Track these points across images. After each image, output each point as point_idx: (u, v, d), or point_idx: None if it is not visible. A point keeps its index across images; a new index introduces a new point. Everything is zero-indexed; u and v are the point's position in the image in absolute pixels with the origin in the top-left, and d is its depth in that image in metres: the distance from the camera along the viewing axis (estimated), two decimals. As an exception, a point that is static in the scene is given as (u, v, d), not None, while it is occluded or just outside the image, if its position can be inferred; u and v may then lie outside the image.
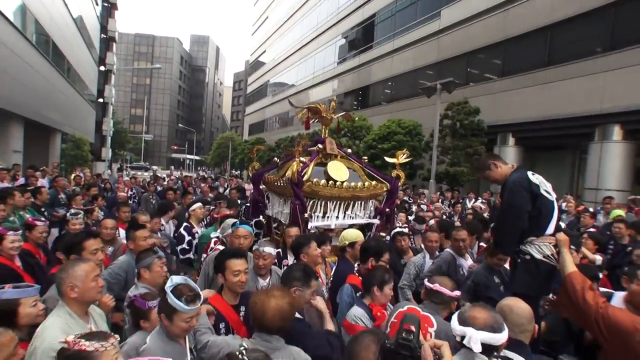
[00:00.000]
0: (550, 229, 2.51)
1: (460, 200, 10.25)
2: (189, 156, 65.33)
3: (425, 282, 2.33)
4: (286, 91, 39.04)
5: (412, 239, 5.01)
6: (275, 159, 4.91)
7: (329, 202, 4.07)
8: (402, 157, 4.49)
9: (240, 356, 1.40)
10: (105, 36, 32.65)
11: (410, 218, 6.42)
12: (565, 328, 2.78)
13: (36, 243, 3.49)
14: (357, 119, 18.16)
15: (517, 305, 1.89)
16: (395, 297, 3.29)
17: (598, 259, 4.10)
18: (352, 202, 4.18)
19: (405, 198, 9.84)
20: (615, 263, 4.29)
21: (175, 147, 74.03)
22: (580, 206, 8.01)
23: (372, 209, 4.45)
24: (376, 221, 4.38)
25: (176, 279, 1.85)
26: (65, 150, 19.41)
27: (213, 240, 3.85)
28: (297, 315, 2.20)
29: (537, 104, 13.78)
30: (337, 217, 4.12)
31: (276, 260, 3.48)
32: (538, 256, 2.49)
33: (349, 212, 4.19)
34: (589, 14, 12.46)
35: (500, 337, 1.51)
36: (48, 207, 6.03)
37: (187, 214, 5.26)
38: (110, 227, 3.82)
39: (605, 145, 11.93)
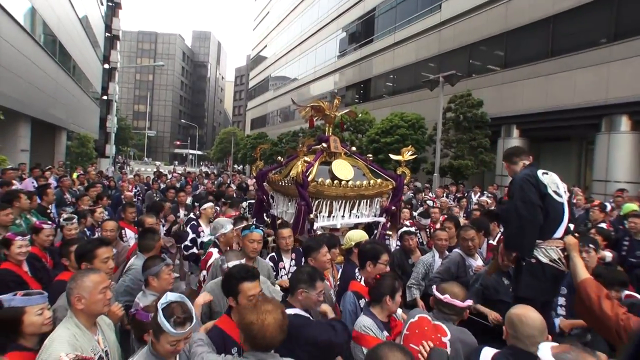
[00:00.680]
0: (559, 232, 2.42)
1: (465, 194, 10.17)
2: (191, 151, 65.51)
3: (435, 291, 2.23)
4: (288, 85, 38.87)
5: (418, 235, 4.95)
6: (279, 158, 4.86)
7: (334, 202, 4.04)
8: (407, 154, 4.45)
9: None
10: (109, 35, 32.81)
11: (415, 213, 6.37)
12: None
13: (42, 246, 3.49)
14: (360, 114, 18.03)
15: (528, 315, 1.76)
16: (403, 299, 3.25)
17: (608, 255, 3.97)
18: (357, 201, 4.16)
19: (410, 193, 9.76)
20: (634, 262, 4.18)
21: (178, 143, 74.18)
22: (595, 201, 7.81)
23: (377, 207, 4.43)
24: (382, 219, 4.36)
25: (171, 297, 1.74)
26: (71, 147, 19.50)
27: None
28: (299, 312, 2.19)
29: (541, 95, 13.62)
30: (343, 217, 4.10)
31: (272, 264, 3.46)
32: (545, 260, 2.41)
33: (354, 211, 4.17)
34: (592, 4, 12.26)
35: None
36: (54, 207, 6.05)
37: (198, 212, 5.32)
38: (111, 230, 3.80)
39: (614, 136, 11.76)
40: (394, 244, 4.61)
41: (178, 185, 10.51)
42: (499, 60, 15.76)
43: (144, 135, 57.54)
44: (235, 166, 40.72)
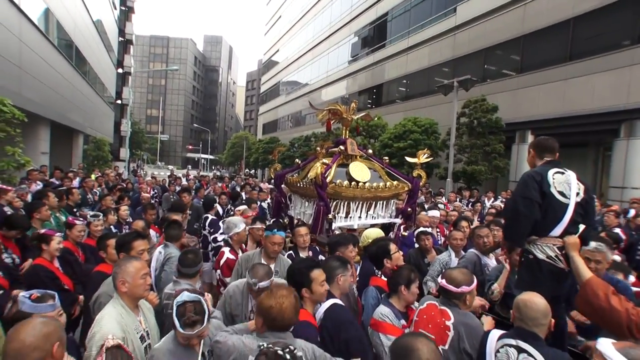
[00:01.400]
0: (557, 231, 2.46)
1: (479, 200, 10.14)
2: (203, 155, 66.34)
3: (439, 277, 2.38)
4: (299, 90, 39.12)
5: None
6: (297, 160, 4.99)
7: (351, 203, 4.13)
8: (423, 157, 4.53)
9: (287, 356, 1.46)
10: (122, 39, 33.44)
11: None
12: None
13: (75, 241, 3.67)
14: (375, 119, 18.11)
15: (532, 300, 1.90)
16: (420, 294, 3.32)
17: (617, 259, 4.01)
18: (374, 202, 4.24)
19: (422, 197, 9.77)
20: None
21: (190, 147, 75.25)
22: (613, 206, 7.75)
23: (393, 208, 4.51)
24: (398, 220, 4.43)
25: (186, 296, 1.80)
26: (87, 151, 20.01)
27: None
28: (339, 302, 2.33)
29: (558, 100, 13.49)
30: (360, 217, 4.19)
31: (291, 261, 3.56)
32: (541, 256, 2.48)
33: (371, 212, 4.25)
34: (614, 5, 12.07)
35: None
36: (78, 207, 6.29)
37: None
38: (141, 228, 4.01)
39: (632, 142, 11.55)
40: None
41: (194, 188, 10.73)
42: (515, 65, 15.66)
43: (156, 140, 58.59)
44: (247, 170, 41.10)
